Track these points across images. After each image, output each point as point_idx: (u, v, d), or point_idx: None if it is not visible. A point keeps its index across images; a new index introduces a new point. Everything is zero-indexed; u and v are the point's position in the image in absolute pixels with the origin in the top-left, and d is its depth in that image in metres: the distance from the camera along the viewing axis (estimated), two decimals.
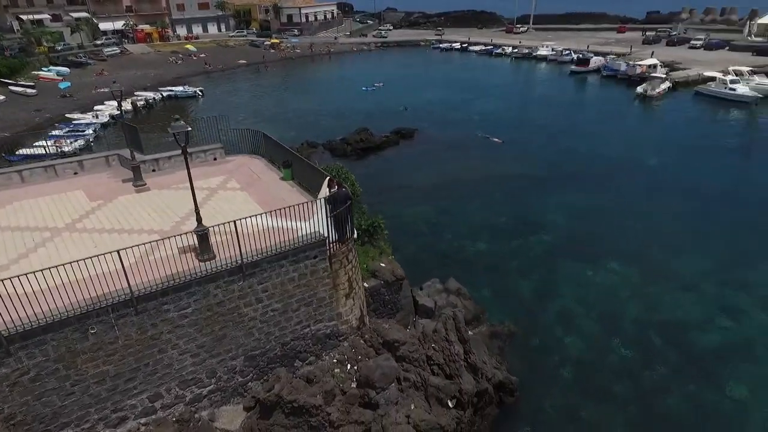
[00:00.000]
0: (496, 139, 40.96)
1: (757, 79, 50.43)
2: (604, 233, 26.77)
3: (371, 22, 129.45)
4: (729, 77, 50.19)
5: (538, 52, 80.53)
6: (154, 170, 18.55)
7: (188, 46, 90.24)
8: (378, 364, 12.35)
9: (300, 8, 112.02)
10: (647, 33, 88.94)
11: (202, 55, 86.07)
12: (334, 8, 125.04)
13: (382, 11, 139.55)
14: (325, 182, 13.16)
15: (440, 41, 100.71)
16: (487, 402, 15.02)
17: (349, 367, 13.18)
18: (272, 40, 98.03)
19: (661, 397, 16.46)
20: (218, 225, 11.39)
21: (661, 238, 25.96)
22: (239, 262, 11.30)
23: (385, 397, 12.18)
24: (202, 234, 11.80)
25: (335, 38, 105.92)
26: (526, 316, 20.38)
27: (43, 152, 30.29)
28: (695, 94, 52.62)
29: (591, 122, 47.03)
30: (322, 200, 12.58)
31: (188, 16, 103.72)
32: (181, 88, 63.76)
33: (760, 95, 47.60)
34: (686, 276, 22.66)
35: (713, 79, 51.87)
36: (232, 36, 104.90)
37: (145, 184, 17.25)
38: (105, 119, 49.99)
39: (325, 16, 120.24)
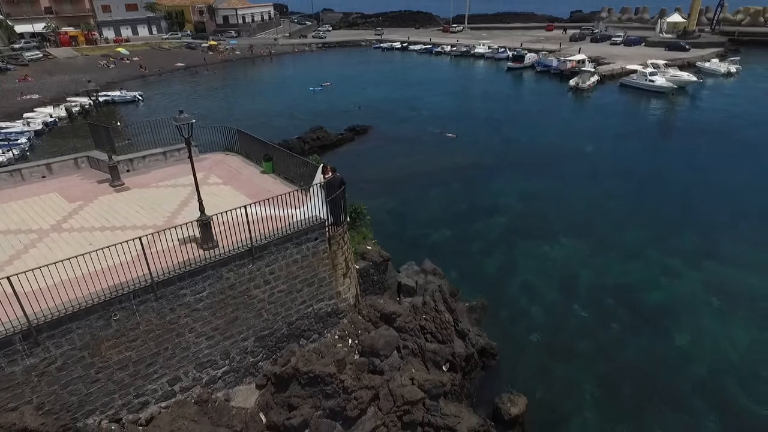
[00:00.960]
0: (450, 134, 42.95)
1: (672, 72, 56.21)
2: (553, 212, 29.25)
3: (309, 23, 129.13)
4: (648, 70, 55.54)
5: (476, 50, 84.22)
6: (128, 170, 18.40)
7: (119, 49, 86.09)
8: (380, 334, 13.35)
9: (236, 9, 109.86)
10: (568, 30, 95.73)
11: (136, 59, 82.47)
12: (271, 9, 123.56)
13: (319, 12, 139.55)
14: (319, 169, 13.95)
15: (381, 41, 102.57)
16: (473, 366, 16.46)
17: (350, 342, 14.06)
18: (210, 42, 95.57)
19: (618, 350, 18.63)
20: (225, 212, 11.87)
21: (602, 214, 28.80)
22: (249, 245, 11.90)
23: (389, 363, 13.21)
24: (206, 223, 12.29)
25: (275, 39, 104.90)
26: (495, 290, 22.12)
27: None
28: (620, 85, 57.75)
29: (531, 114, 50.33)
30: (318, 186, 13.39)
31: (115, 18, 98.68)
32: (118, 93, 61.14)
33: (675, 86, 53.15)
34: (628, 245, 25.40)
35: (635, 71, 57.14)
36: (165, 38, 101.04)
37: (124, 183, 17.18)
38: (38, 127, 47.15)
39: (262, 17, 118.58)
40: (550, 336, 19.41)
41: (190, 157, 11.99)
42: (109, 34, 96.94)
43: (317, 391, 12.01)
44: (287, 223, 12.87)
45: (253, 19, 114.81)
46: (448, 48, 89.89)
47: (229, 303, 11.95)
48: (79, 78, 69.80)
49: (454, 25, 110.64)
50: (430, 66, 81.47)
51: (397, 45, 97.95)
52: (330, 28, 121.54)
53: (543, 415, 15.60)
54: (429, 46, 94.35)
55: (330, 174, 13.68)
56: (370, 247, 17.19)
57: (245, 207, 11.71)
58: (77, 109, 54.43)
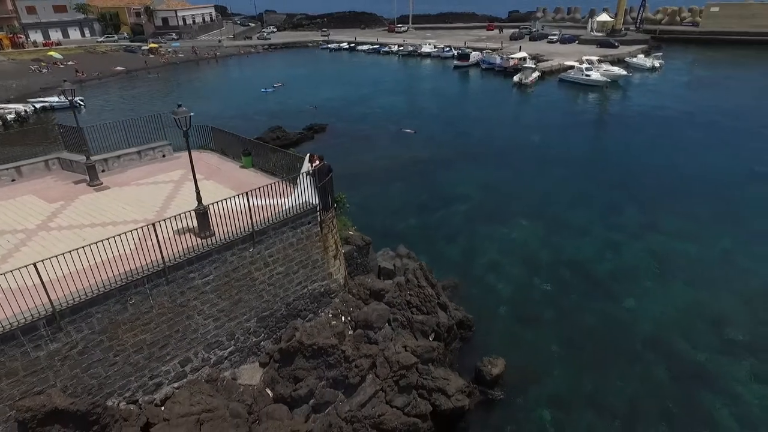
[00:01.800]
0: (409, 130, 44.49)
1: (605, 67, 60.94)
2: (509, 199, 31.41)
3: (253, 24, 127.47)
4: (584, 66, 59.84)
5: (422, 50, 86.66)
6: (103, 170, 18.34)
7: (52, 53, 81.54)
8: (373, 308, 14.42)
9: (176, 11, 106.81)
10: (504, 30, 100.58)
11: (71, 63, 78.66)
12: (212, 11, 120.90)
13: (262, 13, 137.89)
14: (307, 158, 14.82)
15: (328, 42, 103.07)
16: (453, 337, 17.85)
17: (343, 319, 15.01)
18: (151, 45, 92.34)
19: (577, 315, 20.69)
20: (223, 200, 12.50)
21: (553, 198, 31.29)
22: (250, 230, 12.61)
23: (382, 335, 14.29)
24: (203, 212, 12.87)
25: (219, 41, 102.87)
26: (464, 270, 23.75)
27: None
28: (559, 80, 61.84)
29: (481, 109, 52.93)
30: (307, 173, 14.26)
31: (43, 20, 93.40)
32: (56, 99, 58.02)
33: (609, 80, 57.69)
34: (578, 224, 27.88)
35: (572, 67, 61.31)
36: (101, 42, 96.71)
37: (102, 182, 17.21)
38: None
39: (203, 19, 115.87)
40: (518, 307, 21.21)
41: (188, 150, 12.52)
42: (36, 37, 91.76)
43: (321, 362, 12.90)
44: (279, 211, 13.65)
45: (194, 21, 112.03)
46: (396, 48, 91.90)
47: (233, 285, 12.61)
48: (8, 84, 65.83)
49: (399, 26, 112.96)
50: (379, 65, 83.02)
51: (345, 45, 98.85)
52: (275, 30, 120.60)
53: (519, 375, 17.22)
54: (376, 46, 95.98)
55: (318, 162, 14.57)
56: (351, 233, 18.19)
57: (246, 194, 12.41)
58: (12, 116, 51.56)
